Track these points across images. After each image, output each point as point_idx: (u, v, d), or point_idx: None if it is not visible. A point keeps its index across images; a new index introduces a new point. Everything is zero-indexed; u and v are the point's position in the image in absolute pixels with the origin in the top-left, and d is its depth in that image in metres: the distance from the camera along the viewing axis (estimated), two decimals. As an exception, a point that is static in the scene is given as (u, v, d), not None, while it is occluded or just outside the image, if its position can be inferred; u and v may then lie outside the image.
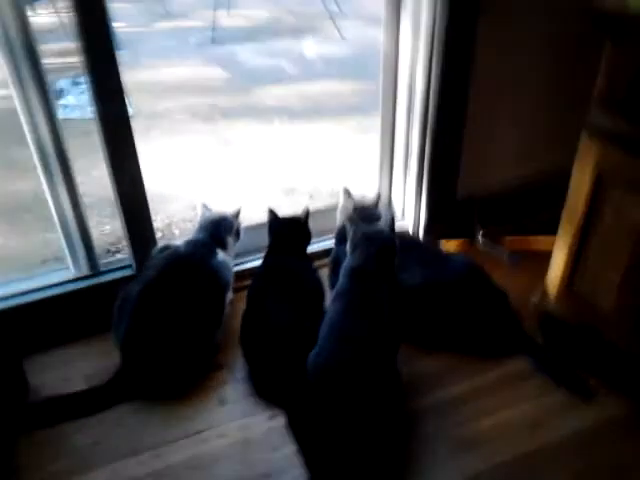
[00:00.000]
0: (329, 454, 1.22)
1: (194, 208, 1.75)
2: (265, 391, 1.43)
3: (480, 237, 1.99)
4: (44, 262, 2.04)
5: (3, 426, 1.33)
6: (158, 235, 1.74)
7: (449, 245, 1.96)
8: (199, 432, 1.35)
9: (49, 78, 1.44)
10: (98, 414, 1.39)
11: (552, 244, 1.52)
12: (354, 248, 1.43)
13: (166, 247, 1.62)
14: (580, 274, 1.45)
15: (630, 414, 1.37)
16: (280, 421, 1.35)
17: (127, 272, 1.68)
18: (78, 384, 1.44)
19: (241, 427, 1.36)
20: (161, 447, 1.31)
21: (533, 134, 1.98)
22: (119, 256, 1.93)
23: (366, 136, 2.96)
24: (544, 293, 1.56)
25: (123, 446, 1.32)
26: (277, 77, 4.06)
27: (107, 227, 2.22)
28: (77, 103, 3.37)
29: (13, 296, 1.59)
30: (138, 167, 1.57)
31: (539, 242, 1.92)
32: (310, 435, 1.28)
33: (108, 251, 2.11)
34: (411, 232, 1.99)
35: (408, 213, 2.00)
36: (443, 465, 1.26)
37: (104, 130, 1.48)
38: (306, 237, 1.72)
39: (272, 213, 1.70)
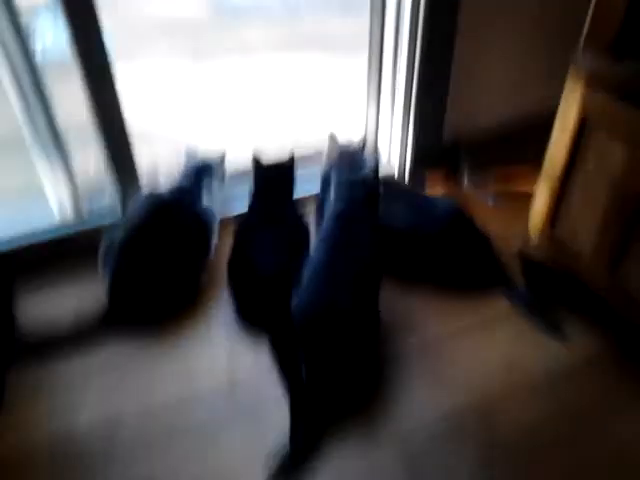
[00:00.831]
0: (313, 393, 1.27)
1: (179, 152, 1.73)
2: (251, 332, 1.46)
3: (466, 180, 1.99)
4: (28, 207, 2.02)
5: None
6: (144, 181, 1.73)
7: (435, 189, 1.96)
8: (185, 372, 1.38)
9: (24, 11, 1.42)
10: (84, 355, 1.41)
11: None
12: (338, 194, 1.43)
13: (150, 194, 1.61)
14: (561, 218, 1.46)
15: (603, 354, 1.41)
16: (266, 362, 1.39)
17: (112, 218, 1.69)
18: (66, 322, 1.46)
19: (227, 367, 1.39)
20: (147, 386, 1.34)
21: (523, 73, 1.94)
22: (104, 201, 1.92)
23: (352, 75, 2.88)
24: (526, 237, 1.58)
25: (110, 385, 1.35)
26: (261, 13, 3.91)
27: (91, 171, 2.19)
28: (57, 39, 3.23)
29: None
30: (118, 103, 1.55)
31: (525, 185, 1.92)
32: (295, 375, 1.32)
33: (92, 197, 2.09)
34: (397, 177, 1.98)
35: (394, 158, 1.99)
36: (420, 402, 1.30)
37: (82, 66, 1.48)
38: (291, 183, 1.71)
39: (256, 160, 1.68)
